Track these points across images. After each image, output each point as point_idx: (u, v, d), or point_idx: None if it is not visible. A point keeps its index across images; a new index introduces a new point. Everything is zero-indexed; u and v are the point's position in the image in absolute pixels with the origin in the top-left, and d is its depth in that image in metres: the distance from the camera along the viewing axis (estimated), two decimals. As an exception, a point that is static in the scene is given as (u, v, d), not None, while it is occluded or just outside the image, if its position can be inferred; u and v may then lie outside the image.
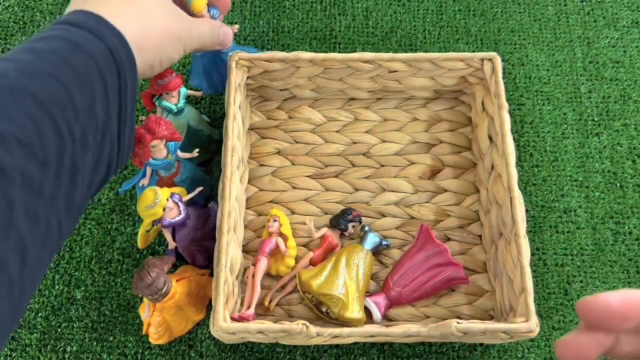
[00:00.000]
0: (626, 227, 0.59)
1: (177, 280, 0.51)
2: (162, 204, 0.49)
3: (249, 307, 0.51)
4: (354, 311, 0.50)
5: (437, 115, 0.63)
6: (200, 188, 0.54)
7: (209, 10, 0.55)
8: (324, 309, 0.52)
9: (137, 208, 0.49)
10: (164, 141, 0.51)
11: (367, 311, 0.52)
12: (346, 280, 0.51)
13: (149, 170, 0.53)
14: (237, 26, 0.59)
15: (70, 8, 0.38)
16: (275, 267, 0.55)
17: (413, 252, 0.54)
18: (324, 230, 0.56)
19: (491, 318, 0.54)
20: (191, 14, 0.50)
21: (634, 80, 0.67)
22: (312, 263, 0.55)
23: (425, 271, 0.53)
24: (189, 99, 0.64)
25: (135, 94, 0.39)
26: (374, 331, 0.47)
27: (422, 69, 0.58)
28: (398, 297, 0.53)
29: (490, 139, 0.57)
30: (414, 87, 0.61)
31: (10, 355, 0.55)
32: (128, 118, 0.38)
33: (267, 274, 0.55)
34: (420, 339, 0.49)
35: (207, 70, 0.61)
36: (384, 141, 0.62)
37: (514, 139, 0.59)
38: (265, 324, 0.47)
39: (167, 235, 0.52)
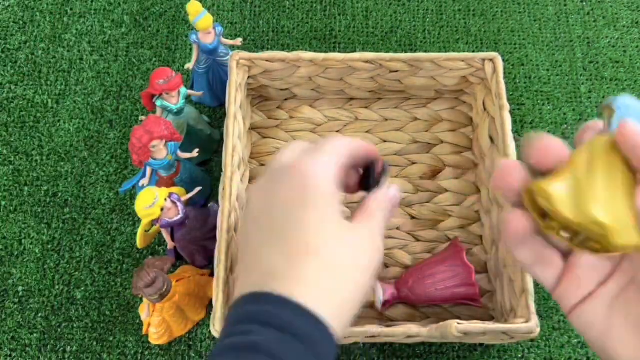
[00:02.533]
0: (626, 227, 0.59)
1: (177, 281, 0.51)
2: (160, 204, 0.48)
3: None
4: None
5: (438, 115, 0.63)
6: (199, 188, 0.54)
7: (214, 28, 0.56)
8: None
9: (135, 208, 0.49)
10: (164, 141, 0.51)
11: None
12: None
13: (148, 170, 0.53)
14: (240, 39, 0.60)
15: (246, 274, 0.29)
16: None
17: (435, 263, 0.53)
18: None
19: (491, 318, 0.54)
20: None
21: (633, 80, 0.67)
22: None
23: (443, 286, 0.52)
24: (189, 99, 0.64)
25: None
26: (375, 331, 0.47)
27: (422, 69, 0.58)
28: (406, 297, 0.53)
29: (492, 139, 0.57)
30: (415, 87, 0.61)
31: (10, 355, 0.54)
32: None
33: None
34: (421, 339, 0.49)
35: (211, 84, 0.62)
36: (385, 141, 0.62)
37: (514, 139, 0.59)
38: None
39: (166, 235, 0.52)
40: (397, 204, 0.34)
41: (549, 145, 0.23)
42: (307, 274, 0.27)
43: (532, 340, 0.54)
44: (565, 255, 0.25)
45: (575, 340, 0.55)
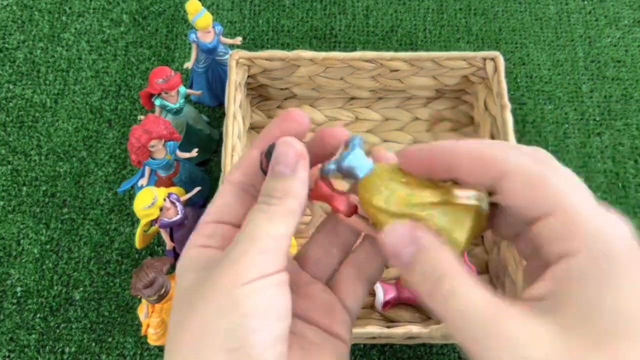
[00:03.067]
0: (628, 228, 0.59)
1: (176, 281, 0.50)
2: (158, 204, 0.48)
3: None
4: None
5: (439, 114, 0.63)
6: (198, 188, 0.54)
7: (213, 27, 0.56)
8: None
9: (134, 208, 0.48)
10: (162, 141, 0.51)
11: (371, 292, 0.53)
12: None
13: (147, 170, 0.53)
14: (239, 39, 0.59)
15: None
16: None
17: None
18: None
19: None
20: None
21: (635, 80, 0.66)
22: None
23: None
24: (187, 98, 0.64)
25: None
26: (375, 332, 0.46)
27: (423, 68, 0.58)
28: (407, 298, 0.53)
29: (493, 138, 0.57)
30: (416, 87, 0.61)
31: (9, 357, 0.54)
32: None
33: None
34: (422, 340, 0.49)
35: (210, 83, 0.61)
36: (386, 141, 0.62)
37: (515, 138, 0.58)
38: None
39: (165, 235, 0.52)
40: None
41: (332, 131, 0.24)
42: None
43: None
44: None
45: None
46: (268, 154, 0.23)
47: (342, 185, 0.25)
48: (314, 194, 0.24)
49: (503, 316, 0.17)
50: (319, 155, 0.24)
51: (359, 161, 0.23)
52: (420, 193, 0.22)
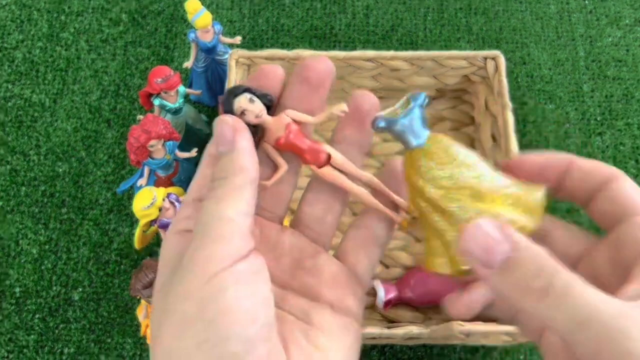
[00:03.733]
0: (629, 228, 0.59)
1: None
2: (158, 204, 0.48)
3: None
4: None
5: (440, 114, 0.62)
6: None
7: (213, 26, 0.56)
8: None
9: (133, 208, 0.48)
10: (162, 140, 0.50)
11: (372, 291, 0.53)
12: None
13: (146, 170, 0.53)
14: (238, 38, 0.59)
15: None
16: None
17: None
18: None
19: (494, 320, 0.53)
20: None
21: (636, 79, 0.66)
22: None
23: (445, 286, 0.52)
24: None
25: None
26: (375, 333, 0.46)
27: (424, 67, 0.57)
28: (408, 298, 0.52)
29: (494, 138, 0.57)
30: (416, 86, 0.61)
31: (8, 357, 0.54)
32: None
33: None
34: (422, 341, 0.48)
35: (210, 83, 0.61)
36: (386, 140, 0.61)
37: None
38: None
39: (164, 235, 0.52)
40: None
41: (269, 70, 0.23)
42: None
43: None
44: None
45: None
46: (226, 102, 0.22)
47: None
48: (280, 143, 0.22)
49: (629, 312, 0.16)
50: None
51: (414, 126, 0.20)
52: (490, 177, 0.19)
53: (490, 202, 0.19)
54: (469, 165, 0.20)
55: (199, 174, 0.22)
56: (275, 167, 0.23)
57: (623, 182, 0.20)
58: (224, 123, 0.21)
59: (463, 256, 0.18)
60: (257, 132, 0.22)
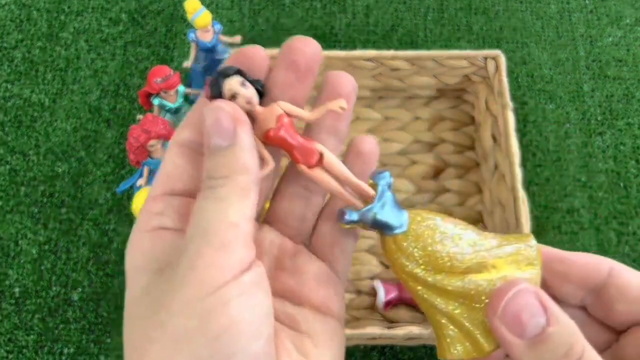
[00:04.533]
0: (630, 228, 0.59)
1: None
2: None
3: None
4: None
5: (440, 114, 0.62)
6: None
7: (213, 25, 0.56)
8: None
9: (132, 208, 0.48)
10: (161, 140, 0.50)
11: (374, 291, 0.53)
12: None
13: (146, 170, 0.53)
14: (238, 38, 0.59)
15: None
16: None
17: None
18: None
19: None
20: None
21: (637, 79, 0.66)
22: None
23: None
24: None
25: None
26: (375, 333, 0.46)
27: (424, 67, 0.57)
28: (409, 298, 0.52)
29: (494, 138, 0.57)
30: (417, 86, 0.61)
31: (7, 358, 0.54)
32: None
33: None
34: (423, 341, 0.48)
35: None
36: (386, 140, 0.61)
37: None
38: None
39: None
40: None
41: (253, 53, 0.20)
42: None
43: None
44: None
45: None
46: (214, 83, 0.19)
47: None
48: (269, 136, 0.19)
49: None
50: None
51: (391, 213, 0.18)
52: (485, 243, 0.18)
53: (493, 267, 0.18)
54: (460, 236, 0.19)
55: (169, 163, 0.19)
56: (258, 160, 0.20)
57: (625, 274, 0.19)
58: (221, 111, 0.18)
59: (494, 328, 0.17)
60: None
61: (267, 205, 0.22)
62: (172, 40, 0.68)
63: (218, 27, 0.57)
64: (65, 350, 0.54)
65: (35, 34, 0.69)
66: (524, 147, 0.62)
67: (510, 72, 0.66)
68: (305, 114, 0.20)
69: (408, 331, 0.46)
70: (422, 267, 0.18)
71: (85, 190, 0.60)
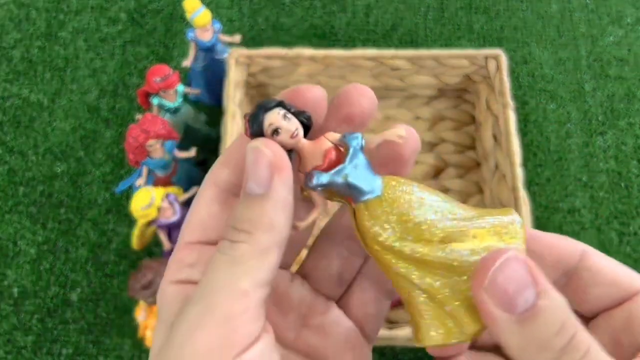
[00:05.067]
0: (631, 228, 0.58)
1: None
2: (156, 204, 0.48)
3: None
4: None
5: (441, 113, 0.62)
6: (197, 188, 0.53)
7: (212, 24, 0.56)
8: None
9: (131, 208, 0.48)
10: (160, 140, 0.50)
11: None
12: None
13: (145, 169, 0.52)
14: (238, 37, 0.59)
15: None
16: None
17: None
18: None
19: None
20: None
21: (638, 79, 0.66)
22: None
23: None
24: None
25: None
26: (376, 334, 0.46)
27: (425, 66, 0.57)
28: None
29: (495, 138, 0.56)
30: (417, 85, 0.60)
31: (6, 358, 0.54)
32: None
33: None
34: (423, 342, 0.48)
35: (210, 83, 0.61)
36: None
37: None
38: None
39: (162, 236, 0.51)
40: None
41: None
42: None
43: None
44: None
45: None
46: (254, 117, 0.17)
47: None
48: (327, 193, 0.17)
49: None
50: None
51: (364, 176, 0.17)
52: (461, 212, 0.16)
53: (474, 237, 0.16)
54: (438, 204, 0.17)
55: (203, 209, 0.17)
56: (306, 204, 0.18)
57: (598, 258, 0.18)
58: (260, 154, 0.16)
59: (479, 301, 0.15)
60: (290, 157, 0.17)
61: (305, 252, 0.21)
62: (172, 40, 0.68)
63: (217, 26, 0.57)
64: (64, 351, 0.54)
65: (34, 34, 0.68)
66: (524, 146, 0.62)
67: (511, 72, 0.66)
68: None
69: (408, 332, 0.46)
70: (398, 235, 0.16)
71: (84, 190, 0.60)
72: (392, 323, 0.53)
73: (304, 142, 0.17)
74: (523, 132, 0.63)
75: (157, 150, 0.50)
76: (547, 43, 0.68)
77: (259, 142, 0.16)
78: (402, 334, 0.46)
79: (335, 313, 0.19)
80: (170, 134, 0.50)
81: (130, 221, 0.59)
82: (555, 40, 0.68)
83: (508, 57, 0.66)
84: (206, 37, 0.56)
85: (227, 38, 0.58)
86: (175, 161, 0.54)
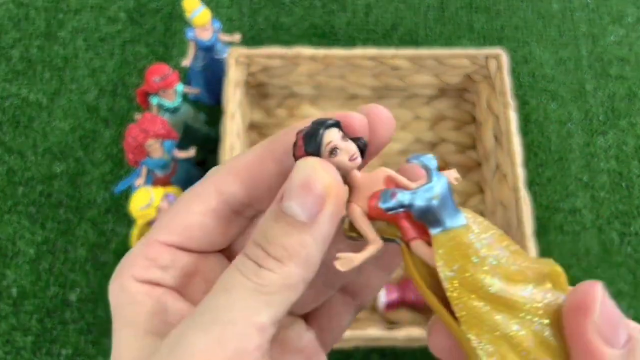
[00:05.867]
0: (632, 228, 0.58)
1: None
2: (155, 204, 0.47)
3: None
4: None
5: (441, 113, 0.62)
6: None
7: (212, 24, 0.55)
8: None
9: (130, 208, 0.47)
10: (160, 140, 0.50)
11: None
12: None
13: (144, 169, 0.52)
14: (237, 36, 0.58)
15: None
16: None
17: None
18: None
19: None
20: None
21: (639, 78, 0.65)
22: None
23: None
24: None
25: None
26: (376, 335, 0.46)
27: (425, 66, 0.57)
28: (410, 300, 0.52)
29: (496, 137, 0.56)
30: (417, 85, 0.60)
31: (5, 358, 0.53)
32: None
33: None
34: (424, 343, 0.48)
35: (209, 82, 0.60)
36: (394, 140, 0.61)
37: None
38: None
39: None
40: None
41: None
42: None
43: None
44: None
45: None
46: (311, 134, 0.15)
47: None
48: (372, 206, 0.15)
49: None
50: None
51: (449, 198, 0.14)
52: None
53: (522, 280, 0.14)
54: (503, 240, 0.15)
55: (195, 218, 0.15)
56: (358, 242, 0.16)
57: None
58: (317, 177, 0.14)
59: (587, 339, 0.13)
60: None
61: None
62: (171, 39, 0.67)
63: (217, 25, 0.57)
64: (64, 352, 0.54)
65: (33, 33, 0.68)
66: (525, 146, 0.62)
67: (511, 71, 0.65)
68: (412, 184, 0.16)
69: (409, 333, 0.46)
70: (490, 271, 0.14)
71: (83, 190, 0.60)
72: (392, 324, 0.53)
73: (357, 173, 0.16)
74: (524, 131, 0.62)
75: (157, 150, 0.50)
76: (548, 42, 0.67)
77: (315, 161, 0.14)
78: (402, 335, 0.46)
79: (298, 327, 0.18)
80: (170, 133, 0.50)
81: (130, 221, 0.58)
82: (556, 39, 0.68)
83: (509, 57, 0.66)
84: (206, 36, 0.56)
85: (226, 37, 0.58)
86: (174, 161, 0.54)
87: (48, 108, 0.64)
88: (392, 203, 0.15)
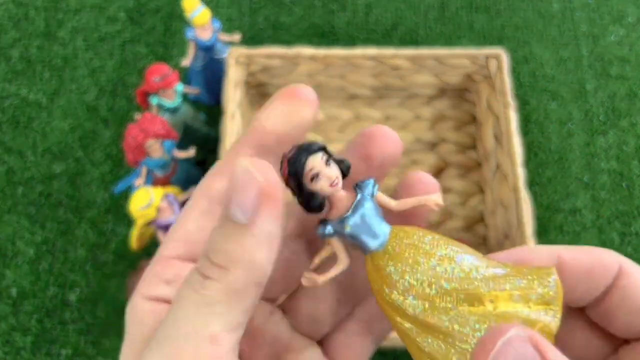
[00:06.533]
0: (632, 228, 0.58)
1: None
2: (155, 204, 0.47)
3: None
4: None
5: (441, 113, 0.62)
6: (198, 188, 0.53)
7: (212, 24, 0.55)
8: None
9: (130, 209, 0.47)
10: (159, 140, 0.50)
11: None
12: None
13: (143, 169, 0.52)
14: (237, 36, 0.58)
15: None
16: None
17: None
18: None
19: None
20: None
21: (639, 78, 0.65)
22: None
23: None
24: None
25: None
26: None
27: (425, 65, 0.57)
28: None
29: (496, 137, 0.56)
30: (417, 84, 0.60)
31: (5, 359, 0.53)
32: None
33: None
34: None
35: (209, 82, 0.60)
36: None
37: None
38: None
39: (161, 236, 0.51)
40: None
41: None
42: None
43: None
44: None
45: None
46: (295, 159, 0.15)
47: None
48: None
49: None
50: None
51: (368, 223, 0.16)
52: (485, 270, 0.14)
53: (490, 302, 0.14)
54: (451, 259, 0.15)
55: (191, 222, 0.16)
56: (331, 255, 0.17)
57: (635, 277, 0.16)
58: (250, 178, 0.13)
59: None
60: (322, 207, 0.16)
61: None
62: (171, 39, 0.67)
63: (217, 25, 0.56)
64: (63, 352, 0.53)
65: (33, 33, 0.68)
66: (525, 146, 0.62)
67: (512, 71, 0.65)
68: (393, 202, 0.17)
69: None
70: (406, 295, 0.15)
71: (82, 190, 0.60)
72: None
73: (340, 192, 0.16)
74: (524, 131, 0.62)
75: (156, 150, 0.50)
76: (548, 42, 0.67)
77: (249, 162, 0.14)
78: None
79: (312, 352, 0.18)
80: (169, 133, 0.50)
81: (129, 221, 0.58)
82: (557, 39, 0.67)
83: (509, 57, 0.66)
84: (205, 36, 0.56)
85: (226, 37, 0.58)
86: (174, 161, 0.54)
87: (47, 108, 0.64)
88: (321, 231, 0.16)
